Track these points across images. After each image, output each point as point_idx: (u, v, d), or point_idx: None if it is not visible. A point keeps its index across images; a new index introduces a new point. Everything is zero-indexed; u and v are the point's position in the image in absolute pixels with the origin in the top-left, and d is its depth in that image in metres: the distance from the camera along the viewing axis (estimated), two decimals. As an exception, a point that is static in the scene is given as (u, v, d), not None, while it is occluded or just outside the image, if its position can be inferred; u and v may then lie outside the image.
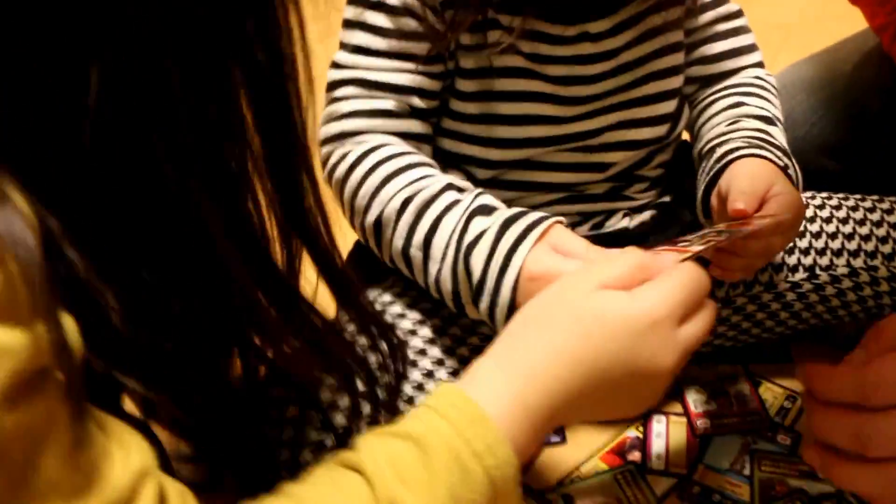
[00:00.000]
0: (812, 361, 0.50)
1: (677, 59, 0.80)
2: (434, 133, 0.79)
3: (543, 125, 0.77)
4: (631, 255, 0.53)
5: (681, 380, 0.92)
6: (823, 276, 0.83)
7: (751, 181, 0.70)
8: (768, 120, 0.80)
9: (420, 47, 0.73)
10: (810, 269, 0.83)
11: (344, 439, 0.62)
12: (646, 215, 0.84)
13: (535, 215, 0.65)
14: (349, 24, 0.75)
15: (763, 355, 0.95)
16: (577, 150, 0.79)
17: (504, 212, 0.67)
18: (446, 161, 0.80)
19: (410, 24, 0.72)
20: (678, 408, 0.90)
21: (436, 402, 0.47)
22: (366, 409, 0.63)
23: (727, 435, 0.87)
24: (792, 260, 0.83)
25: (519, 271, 0.62)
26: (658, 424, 0.88)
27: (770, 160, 0.73)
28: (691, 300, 0.51)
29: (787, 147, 0.78)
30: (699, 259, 0.58)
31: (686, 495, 0.81)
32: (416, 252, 0.69)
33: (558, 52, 0.75)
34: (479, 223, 0.67)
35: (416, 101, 0.75)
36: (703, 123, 0.84)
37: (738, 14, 0.85)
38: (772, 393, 0.91)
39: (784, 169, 0.73)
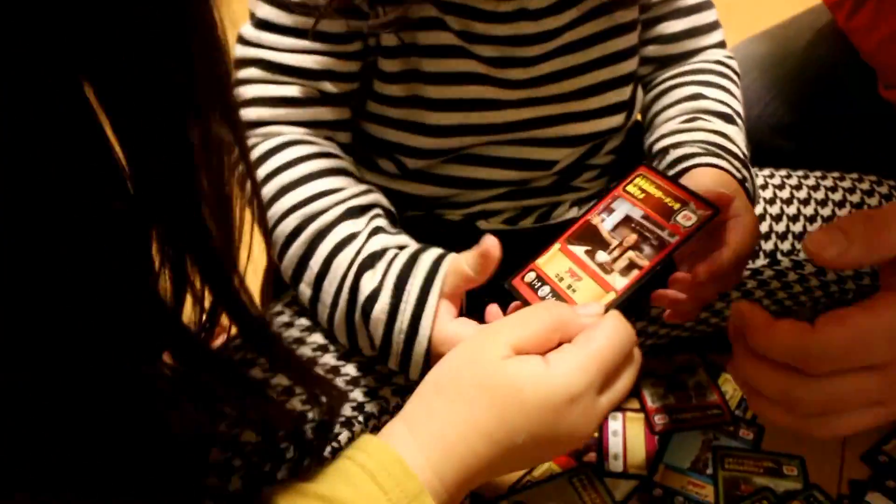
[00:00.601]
0: (751, 307, 0.46)
1: (630, 40, 0.72)
2: (358, 116, 0.72)
3: (478, 111, 0.69)
4: (545, 313, 0.49)
5: (652, 372, 0.88)
6: (785, 262, 0.79)
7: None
8: (728, 118, 0.74)
9: (333, 24, 0.64)
10: (771, 254, 0.79)
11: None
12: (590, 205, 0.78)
13: (425, 267, 0.59)
14: None
15: (722, 344, 0.91)
16: (518, 143, 0.71)
17: (393, 267, 0.60)
18: (374, 148, 0.73)
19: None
20: (635, 403, 0.85)
21: (370, 465, 0.45)
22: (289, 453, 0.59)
23: (687, 431, 0.82)
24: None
25: (428, 342, 0.58)
26: (614, 422, 0.83)
27: (728, 171, 0.66)
28: (613, 365, 0.48)
29: (746, 152, 0.71)
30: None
31: (647, 498, 0.76)
32: (305, 288, 0.64)
33: (493, 31, 0.66)
34: (368, 281, 0.60)
35: (328, 87, 0.67)
36: (658, 113, 0.77)
37: None
38: (732, 384, 0.87)
39: (742, 182, 0.67)
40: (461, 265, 0.58)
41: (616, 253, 0.55)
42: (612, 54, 0.71)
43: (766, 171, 0.82)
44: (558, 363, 0.46)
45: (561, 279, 0.55)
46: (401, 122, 0.70)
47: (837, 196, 0.80)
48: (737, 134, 0.72)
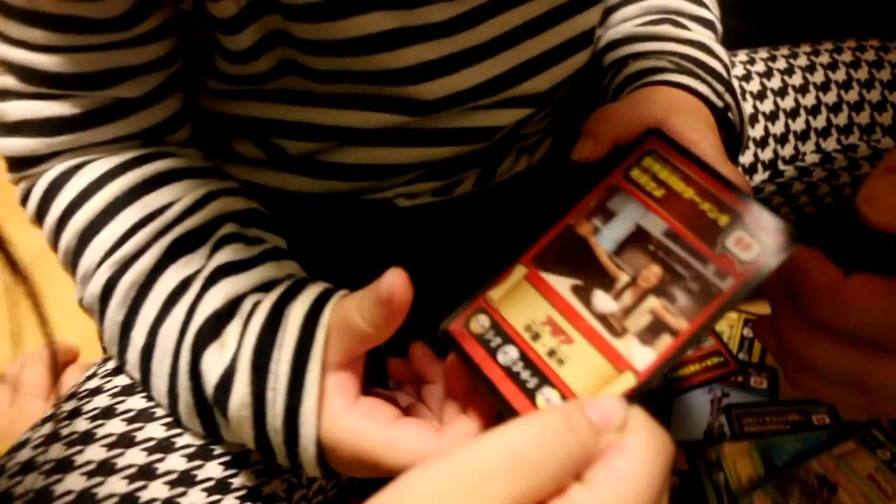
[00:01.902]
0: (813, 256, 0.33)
1: None
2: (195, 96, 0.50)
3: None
4: (564, 454, 0.26)
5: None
6: (789, 171, 0.63)
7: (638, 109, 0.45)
8: (708, 24, 0.56)
9: (103, 5, 0.41)
10: (771, 165, 0.63)
11: None
12: (543, 149, 0.58)
13: (294, 329, 0.38)
14: None
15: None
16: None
17: (248, 335, 0.39)
18: (233, 129, 0.51)
19: None
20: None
21: None
22: None
23: (688, 392, 0.67)
24: (746, 158, 0.63)
25: (317, 447, 0.37)
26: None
27: (705, 97, 0.48)
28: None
29: (729, 72, 0.53)
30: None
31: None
32: (133, 371, 0.43)
33: None
34: (213, 361, 0.39)
35: (125, 91, 0.44)
36: (616, 6, 0.58)
37: None
38: (726, 321, 0.72)
39: (724, 111, 0.49)
40: (352, 318, 0.36)
41: (628, 298, 0.33)
42: None
43: (743, 57, 0.66)
44: None
45: (535, 336, 0.34)
46: (272, 93, 0.48)
47: (840, 75, 0.64)
48: (719, 48, 0.54)
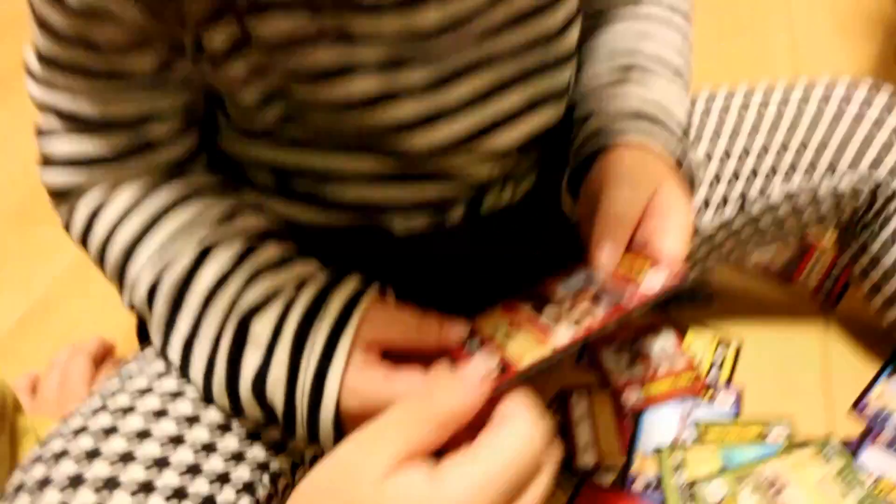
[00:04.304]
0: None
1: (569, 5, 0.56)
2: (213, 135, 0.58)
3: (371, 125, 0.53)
4: (432, 408, 0.35)
5: (594, 342, 0.78)
6: (757, 206, 0.69)
7: (629, 192, 0.50)
8: (673, 71, 0.61)
9: (136, 61, 0.49)
10: (740, 198, 0.69)
11: None
12: (527, 183, 0.63)
13: (333, 313, 0.46)
14: (31, 10, 0.49)
15: (680, 298, 0.82)
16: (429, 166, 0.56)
17: (289, 319, 0.47)
18: (243, 163, 0.59)
19: (102, 32, 0.47)
20: (593, 378, 0.76)
21: None
22: None
23: (660, 405, 0.73)
24: (717, 193, 0.68)
25: (335, 412, 0.45)
26: (579, 406, 0.73)
27: (659, 151, 0.54)
28: (518, 480, 0.34)
29: (684, 119, 0.59)
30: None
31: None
32: (175, 356, 0.50)
33: (379, 28, 0.49)
34: (253, 356, 0.47)
35: (152, 132, 0.52)
36: (587, 59, 0.63)
37: None
38: (701, 343, 0.78)
39: (678, 161, 0.55)
40: (386, 328, 0.46)
41: (567, 306, 0.44)
42: (545, 31, 0.55)
43: (722, 97, 0.72)
44: (450, 481, 0.33)
45: (497, 330, 0.44)
46: (277, 139, 0.56)
47: (812, 108, 0.69)
48: (678, 94, 0.59)
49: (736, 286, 0.84)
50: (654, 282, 0.44)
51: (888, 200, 0.68)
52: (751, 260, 0.85)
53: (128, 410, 0.49)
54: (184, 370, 0.49)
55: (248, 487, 0.49)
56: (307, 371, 0.45)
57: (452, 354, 0.44)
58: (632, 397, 0.73)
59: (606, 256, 0.47)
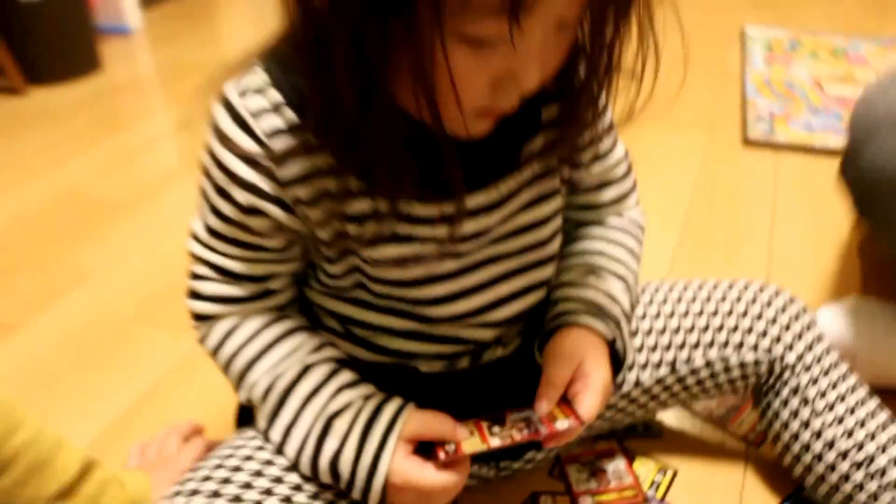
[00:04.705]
0: None
1: (555, 222, 0.83)
2: (304, 286, 0.85)
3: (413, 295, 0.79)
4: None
5: (564, 459, 1.02)
6: (684, 370, 0.94)
7: (560, 368, 0.77)
8: (621, 277, 0.87)
9: (272, 241, 0.76)
10: (672, 362, 0.94)
11: None
12: (514, 345, 0.87)
13: (386, 419, 0.74)
14: (203, 196, 0.75)
15: (634, 431, 1.06)
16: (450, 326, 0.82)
17: (358, 420, 0.74)
18: (323, 312, 0.85)
19: (256, 222, 0.73)
20: (560, 486, 1.00)
21: None
22: None
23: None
24: (655, 357, 0.94)
25: (384, 483, 0.72)
26: (545, 506, 0.98)
27: (598, 332, 0.81)
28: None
29: (628, 311, 0.86)
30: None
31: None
32: (276, 438, 0.77)
33: (431, 233, 0.74)
34: (333, 441, 0.74)
35: (273, 285, 0.79)
36: (566, 256, 0.89)
37: (623, 158, 0.90)
38: (645, 467, 1.02)
39: (612, 342, 0.81)
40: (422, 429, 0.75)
41: (507, 427, 0.73)
42: (538, 240, 0.82)
43: (666, 287, 0.98)
44: None
45: (466, 431, 0.74)
46: (346, 298, 0.82)
47: (725, 307, 0.95)
48: (622, 293, 0.86)
49: (680, 425, 1.08)
50: (562, 425, 0.72)
51: (784, 370, 0.93)
52: (698, 405, 1.10)
53: (236, 469, 0.76)
54: (281, 448, 0.76)
55: None
56: (367, 455, 0.72)
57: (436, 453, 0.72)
58: (587, 503, 0.97)
59: (540, 408, 0.75)
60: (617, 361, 0.83)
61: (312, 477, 0.77)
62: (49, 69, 2.49)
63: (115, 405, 1.19)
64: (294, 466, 0.77)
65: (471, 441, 0.72)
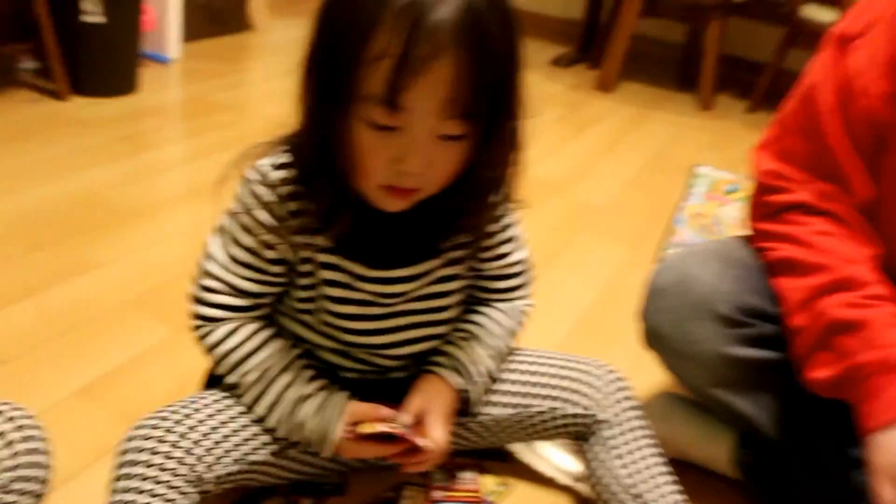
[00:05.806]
0: None
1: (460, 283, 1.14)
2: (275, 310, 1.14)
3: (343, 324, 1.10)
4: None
5: (441, 465, 1.34)
6: (525, 412, 1.27)
7: (420, 401, 1.10)
8: (487, 347, 1.17)
9: (273, 268, 1.04)
10: (517, 405, 1.27)
11: None
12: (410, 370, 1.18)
13: (337, 400, 1.08)
14: (224, 232, 1.03)
15: (488, 454, 1.40)
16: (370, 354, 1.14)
17: (323, 402, 1.08)
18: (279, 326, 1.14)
19: (268, 253, 1.02)
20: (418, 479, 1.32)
21: None
22: None
23: (452, 504, 1.30)
24: (506, 399, 1.26)
25: (335, 438, 1.07)
26: (406, 492, 1.31)
27: (449, 382, 1.13)
28: None
29: (482, 370, 1.16)
30: None
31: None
32: (262, 410, 1.08)
33: (371, 288, 1.07)
34: (304, 410, 1.07)
35: (265, 300, 1.08)
36: (459, 321, 1.19)
37: (520, 262, 1.18)
38: (491, 480, 1.35)
39: (461, 390, 1.12)
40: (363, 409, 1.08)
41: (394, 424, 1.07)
42: (441, 306, 1.14)
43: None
44: None
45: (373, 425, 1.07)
46: (297, 319, 1.13)
47: (555, 371, 1.30)
48: (487, 358, 1.18)
49: (522, 457, 1.41)
50: (422, 442, 1.06)
51: (597, 423, 1.25)
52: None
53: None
54: (264, 418, 1.09)
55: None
56: (325, 421, 1.06)
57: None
58: (438, 496, 1.30)
59: (405, 421, 1.09)
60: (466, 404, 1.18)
61: (286, 438, 1.10)
62: (93, 83, 2.84)
63: (97, 370, 1.47)
64: (272, 430, 1.10)
65: (368, 426, 1.06)
